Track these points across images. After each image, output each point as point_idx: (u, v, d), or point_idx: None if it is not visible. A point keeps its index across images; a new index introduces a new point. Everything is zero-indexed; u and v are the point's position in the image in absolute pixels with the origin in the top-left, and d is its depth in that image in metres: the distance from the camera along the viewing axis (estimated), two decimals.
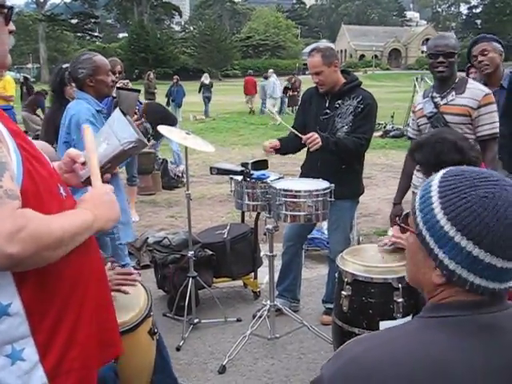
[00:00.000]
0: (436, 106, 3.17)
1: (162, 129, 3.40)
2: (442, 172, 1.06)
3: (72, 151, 1.58)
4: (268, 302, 3.35)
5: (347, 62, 61.54)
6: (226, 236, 4.05)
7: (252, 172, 3.20)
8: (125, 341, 1.92)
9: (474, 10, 71.66)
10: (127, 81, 5.88)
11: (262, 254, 4.10)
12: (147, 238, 4.56)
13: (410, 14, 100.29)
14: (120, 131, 1.61)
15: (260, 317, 3.37)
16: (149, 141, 6.43)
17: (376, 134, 11.84)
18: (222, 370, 3.14)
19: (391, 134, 13.15)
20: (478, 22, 66.18)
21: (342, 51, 68.61)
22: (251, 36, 64.73)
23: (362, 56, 70.62)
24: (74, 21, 60.58)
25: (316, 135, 3.27)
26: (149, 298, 2.22)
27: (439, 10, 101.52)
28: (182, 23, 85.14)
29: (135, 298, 2.17)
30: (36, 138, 7.35)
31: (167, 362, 2.45)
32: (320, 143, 3.25)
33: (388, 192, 7.04)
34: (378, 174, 8.83)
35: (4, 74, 8.37)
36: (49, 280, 1.28)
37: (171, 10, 66.10)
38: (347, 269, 2.55)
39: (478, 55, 3.55)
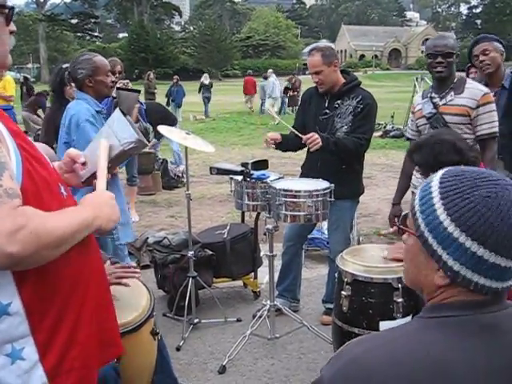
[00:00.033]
0: (435, 106, 3.17)
1: (161, 129, 3.41)
2: (440, 172, 1.05)
3: (72, 151, 1.58)
4: (268, 301, 3.35)
5: (347, 62, 61.52)
6: (225, 236, 4.05)
7: (252, 172, 3.20)
8: (128, 341, 1.93)
9: (474, 10, 71.67)
10: (127, 81, 5.88)
11: (261, 253, 4.10)
12: (147, 238, 4.56)
13: (410, 14, 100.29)
14: (120, 131, 1.61)
15: (260, 317, 3.37)
16: (149, 141, 6.43)
17: (376, 134, 11.84)
18: (222, 370, 3.14)
19: (391, 134, 13.15)
20: (478, 22, 66.18)
21: (342, 51, 68.62)
22: (251, 36, 64.72)
23: (362, 56, 70.62)
24: (74, 21, 60.55)
25: (316, 135, 3.27)
26: (151, 299, 2.22)
27: (439, 10, 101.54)
28: (182, 23, 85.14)
29: (138, 298, 2.17)
30: (36, 138, 7.36)
31: (167, 362, 2.45)
32: (320, 143, 3.25)
33: (388, 192, 7.03)
34: (378, 174, 8.83)
35: (4, 74, 8.37)
36: (49, 279, 1.28)
37: (171, 9, 66.09)
38: (347, 269, 2.55)
39: (479, 55, 3.54)
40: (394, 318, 2.43)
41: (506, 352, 0.97)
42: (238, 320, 3.74)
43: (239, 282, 4.26)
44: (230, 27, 72.17)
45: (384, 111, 11.90)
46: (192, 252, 3.55)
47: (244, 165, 3.22)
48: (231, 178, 3.33)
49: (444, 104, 3.15)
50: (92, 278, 1.42)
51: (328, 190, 3.04)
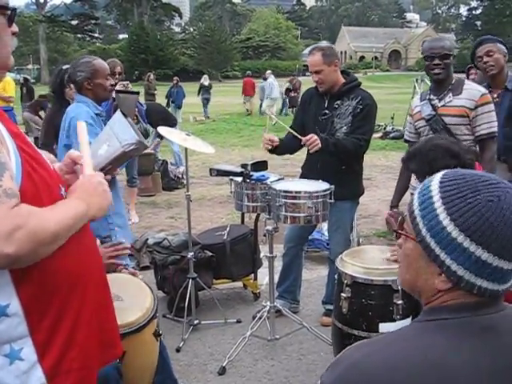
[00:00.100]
0: (434, 108, 3.17)
1: (161, 130, 3.41)
2: (439, 176, 1.04)
3: (73, 152, 1.58)
4: (268, 303, 3.35)
5: (347, 64, 61.54)
6: (225, 237, 4.05)
7: (252, 173, 3.20)
8: (131, 341, 1.94)
9: (473, 12, 71.61)
10: (127, 82, 5.88)
11: (261, 255, 4.10)
12: (147, 239, 4.56)
13: (409, 16, 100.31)
14: (121, 133, 1.62)
15: (260, 318, 3.37)
16: (148, 143, 6.43)
17: (376, 135, 11.84)
18: (222, 371, 3.14)
19: (391, 135, 13.14)
20: (478, 23, 66.17)
21: (341, 53, 68.57)
22: (251, 37, 64.76)
23: (362, 57, 70.65)
24: (74, 22, 60.57)
25: (315, 137, 3.26)
26: (155, 300, 2.23)
27: (439, 11, 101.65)
28: (182, 24, 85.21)
29: (142, 299, 2.18)
30: (36, 139, 7.36)
31: (167, 363, 2.45)
32: (319, 145, 3.25)
33: (388, 193, 7.02)
34: (378, 176, 8.83)
35: (5, 75, 8.38)
36: (47, 279, 1.28)
37: (171, 11, 66.11)
38: (347, 271, 2.55)
39: (483, 56, 3.53)
40: (394, 320, 2.43)
41: (507, 353, 0.97)
42: (238, 321, 3.74)
43: (239, 284, 4.26)
44: (230, 28, 72.24)
45: (384, 112, 11.91)
46: (192, 253, 3.55)
47: (244, 166, 3.22)
48: (231, 180, 3.33)
49: (443, 105, 3.15)
50: (91, 278, 1.42)
51: (328, 192, 3.04)
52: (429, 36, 56.28)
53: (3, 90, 8.64)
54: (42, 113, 11.14)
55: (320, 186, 3.10)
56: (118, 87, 4.96)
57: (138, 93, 5.50)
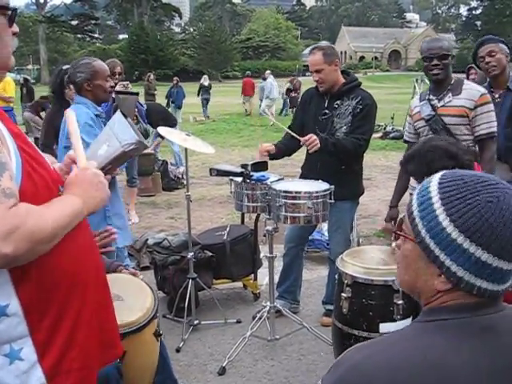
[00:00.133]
0: (433, 108, 3.17)
1: (161, 130, 3.41)
2: (437, 177, 1.04)
3: (73, 153, 1.58)
4: (268, 303, 3.35)
5: (347, 64, 61.55)
6: (225, 237, 4.05)
7: (252, 173, 3.20)
8: (131, 341, 1.94)
9: (473, 12, 71.58)
10: (127, 82, 5.88)
11: (261, 255, 4.10)
12: (147, 239, 4.56)
13: (409, 16, 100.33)
14: (121, 133, 1.62)
15: (260, 318, 3.37)
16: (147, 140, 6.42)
17: (376, 135, 11.85)
18: (222, 371, 3.14)
19: (391, 135, 13.14)
20: (478, 23, 66.12)
21: (341, 53, 68.55)
22: (251, 37, 64.75)
23: (362, 57, 70.66)
24: (74, 22, 60.59)
25: (314, 137, 3.26)
26: (155, 300, 2.23)
27: (439, 11, 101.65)
28: (182, 25, 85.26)
29: (143, 299, 2.18)
30: (36, 139, 7.36)
31: (168, 363, 2.45)
32: (318, 145, 3.25)
33: (388, 193, 7.02)
34: (378, 176, 8.84)
35: (5, 75, 8.38)
36: (46, 278, 1.28)
37: (171, 11, 66.14)
38: (347, 271, 2.56)
39: (485, 56, 3.52)
40: (394, 320, 2.43)
41: (507, 353, 0.98)
42: (238, 321, 3.74)
43: (239, 284, 4.26)
44: (229, 29, 72.23)
45: (384, 112, 11.91)
46: (192, 253, 3.55)
47: (244, 166, 3.21)
48: (231, 180, 3.33)
49: (442, 106, 3.15)
50: (90, 277, 1.42)
51: (328, 192, 3.04)
52: (429, 36, 56.25)
53: (3, 90, 8.65)
54: (43, 113, 11.15)
55: (320, 186, 3.10)
56: (118, 87, 4.96)
57: (137, 93, 5.50)
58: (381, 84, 38.60)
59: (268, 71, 20.63)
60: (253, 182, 3.21)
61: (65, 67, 3.93)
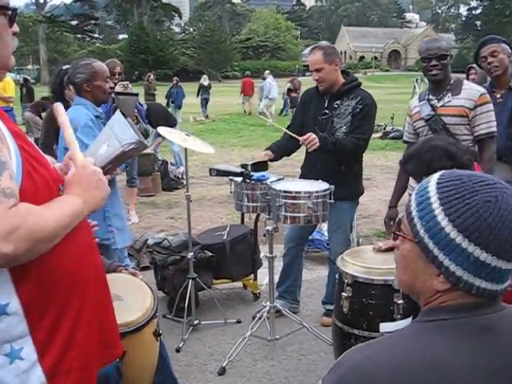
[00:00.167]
0: (433, 108, 3.17)
1: (161, 130, 3.41)
2: (436, 177, 1.04)
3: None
4: (268, 303, 3.35)
5: (347, 64, 61.51)
6: (225, 237, 4.05)
7: (252, 173, 3.20)
8: (130, 341, 1.94)
9: (473, 12, 71.60)
10: (127, 82, 5.88)
11: (261, 255, 4.10)
12: (147, 239, 4.56)
13: (409, 16, 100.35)
14: (121, 133, 1.62)
15: (260, 318, 3.37)
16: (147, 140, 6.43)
17: (376, 135, 11.85)
18: (222, 371, 3.14)
19: (391, 135, 13.14)
20: (478, 23, 66.13)
21: (341, 53, 68.45)
22: (251, 37, 64.75)
23: (362, 57, 70.67)
24: (73, 22, 60.57)
25: (313, 136, 3.26)
26: (155, 300, 2.23)
27: (439, 11, 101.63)
28: (182, 25, 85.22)
29: (142, 299, 2.18)
30: (37, 139, 7.36)
31: (167, 363, 2.45)
32: (318, 144, 3.25)
33: (387, 193, 6.99)
34: (378, 176, 8.84)
35: (5, 75, 8.38)
36: (46, 277, 1.28)
37: (171, 11, 66.12)
38: (347, 270, 2.56)
39: (487, 56, 3.51)
40: (395, 320, 2.43)
41: (506, 353, 0.98)
42: (238, 321, 3.74)
43: (239, 284, 4.26)
44: (229, 29, 72.24)
45: (384, 112, 11.91)
46: (192, 253, 3.55)
47: (244, 166, 3.21)
48: (231, 180, 3.33)
49: (442, 105, 3.15)
50: (90, 277, 1.42)
51: (328, 192, 3.04)
52: (428, 36, 56.30)
53: (3, 90, 8.65)
54: (43, 114, 11.15)
55: (320, 186, 3.10)
56: (118, 87, 4.96)
57: (137, 94, 5.51)
58: (380, 84, 38.59)
59: (267, 71, 20.65)
60: (253, 181, 3.21)
61: (65, 67, 3.93)
